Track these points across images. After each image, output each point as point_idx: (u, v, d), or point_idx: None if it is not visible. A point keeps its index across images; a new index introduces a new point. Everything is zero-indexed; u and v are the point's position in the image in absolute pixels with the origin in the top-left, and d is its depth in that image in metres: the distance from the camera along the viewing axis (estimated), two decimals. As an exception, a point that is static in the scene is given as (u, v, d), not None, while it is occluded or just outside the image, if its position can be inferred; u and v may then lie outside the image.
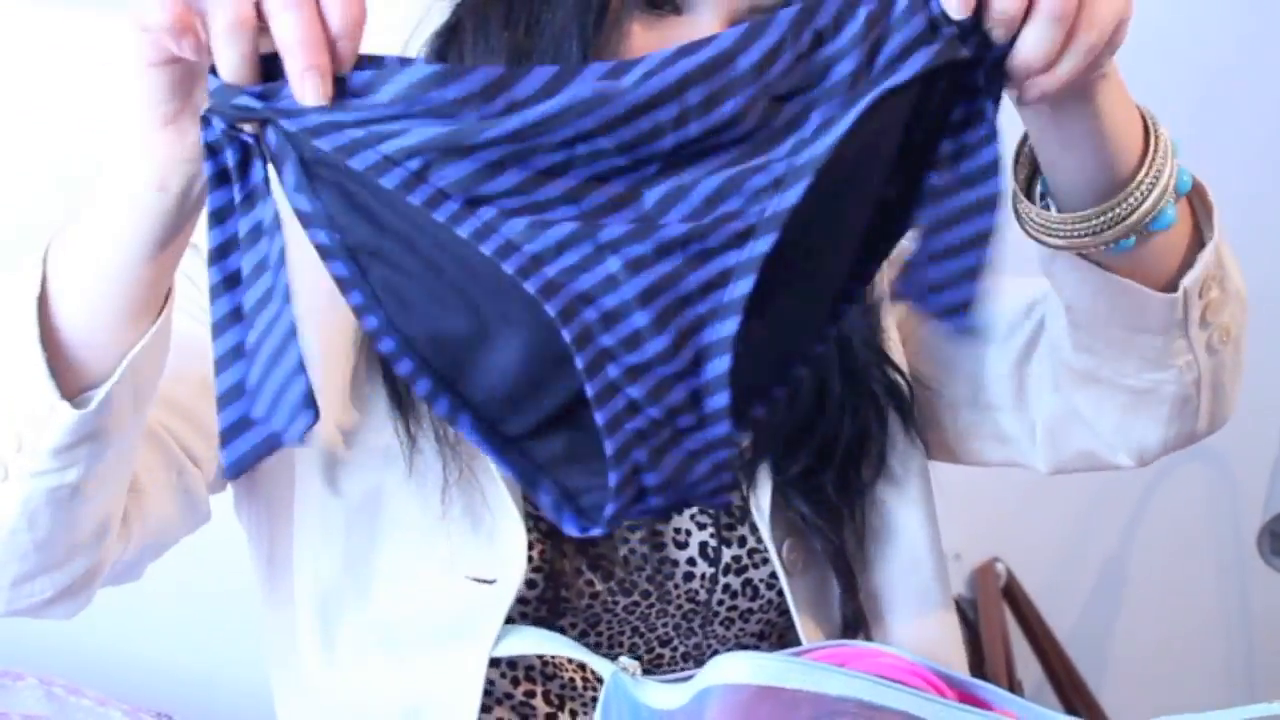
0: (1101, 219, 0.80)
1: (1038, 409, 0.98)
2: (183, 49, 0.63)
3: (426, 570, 0.88)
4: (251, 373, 0.68)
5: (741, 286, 0.67)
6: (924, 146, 0.71)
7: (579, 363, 0.67)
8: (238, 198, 0.66)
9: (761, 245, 0.67)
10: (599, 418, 0.68)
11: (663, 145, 0.66)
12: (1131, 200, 0.79)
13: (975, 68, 0.69)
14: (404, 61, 0.63)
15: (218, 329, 0.68)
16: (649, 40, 0.84)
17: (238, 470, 0.70)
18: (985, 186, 0.70)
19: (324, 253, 0.67)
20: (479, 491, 0.88)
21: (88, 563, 0.79)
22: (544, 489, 0.72)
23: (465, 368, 0.70)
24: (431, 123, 0.63)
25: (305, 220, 0.66)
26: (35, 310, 0.71)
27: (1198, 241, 0.85)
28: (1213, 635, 2.18)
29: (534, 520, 0.90)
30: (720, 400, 0.69)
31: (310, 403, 0.67)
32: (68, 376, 0.72)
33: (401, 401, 0.89)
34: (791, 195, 0.67)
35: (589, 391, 0.67)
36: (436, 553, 0.88)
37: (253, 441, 0.69)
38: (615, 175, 0.66)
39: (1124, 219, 0.80)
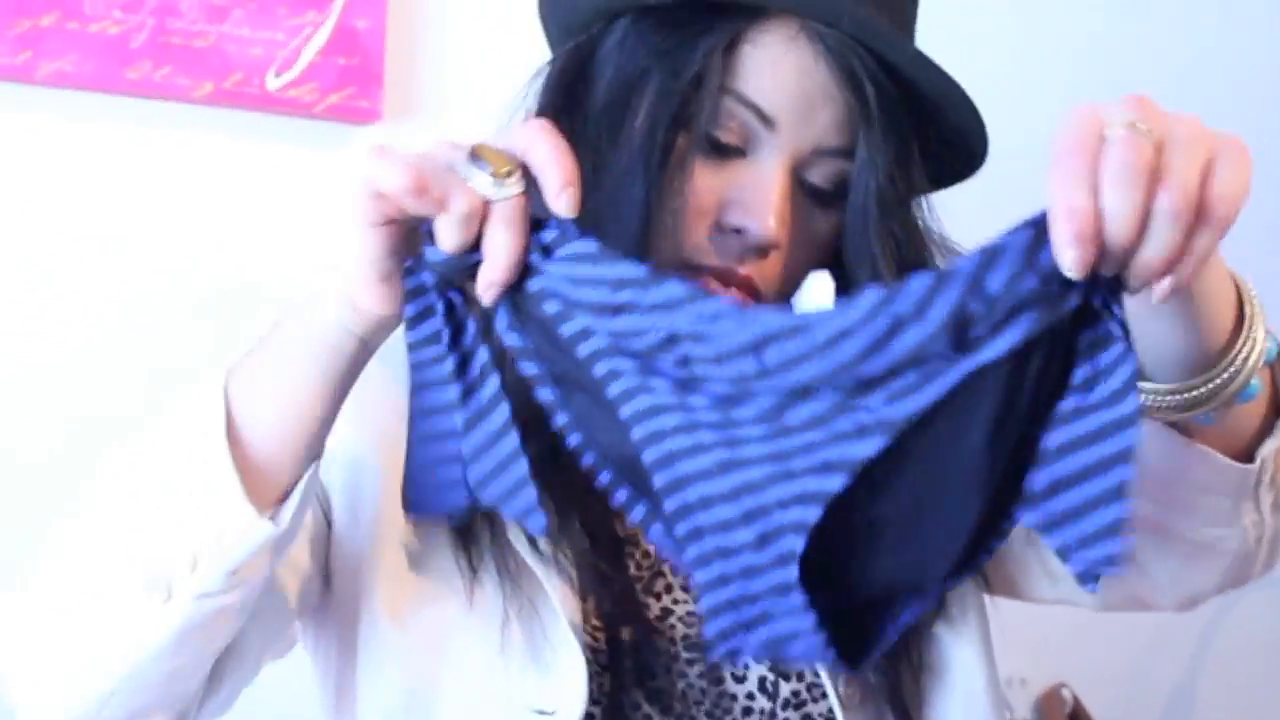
0: (1189, 395, 0.77)
1: None
2: (424, 207, 0.69)
3: (486, 703, 0.89)
4: (472, 472, 0.78)
5: (811, 514, 0.71)
6: (1034, 403, 0.69)
7: (678, 529, 0.74)
8: (444, 335, 0.76)
9: (832, 483, 0.70)
10: (697, 578, 0.74)
11: (753, 385, 0.71)
12: (1222, 379, 0.76)
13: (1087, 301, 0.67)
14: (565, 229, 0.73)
15: (413, 419, 0.78)
16: (713, 182, 0.87)
17: (418, 512, 0.82)
18: (1123, 405, 0.67)
19: (534, 381, 0.75)
20: (539, 623, 0.89)
21: (189, 704, 0.85)
22: (716, 620, 0.75)
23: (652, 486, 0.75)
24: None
25: (517, 354, 0.75)
26: (225, 438, 0.76)
27: (1274, 406, 0.82)
28: (1287, 764, 2.13)
29: (593, 651, 0.90)
30: (794, 600, 0.73)
31: (541, 506, 0.77)
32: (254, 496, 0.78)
33: (464, 534, 0.91)
34: (867, 447, 0.70)
35: (689, 555, 0.74)
36: (496, 685, 0.89)
37: (437, 499, 0.80)
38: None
39: (1212, 395, 0.77)
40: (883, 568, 0.74)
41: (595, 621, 0.90)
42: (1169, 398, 0.78)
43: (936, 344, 0.67)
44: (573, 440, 0.76)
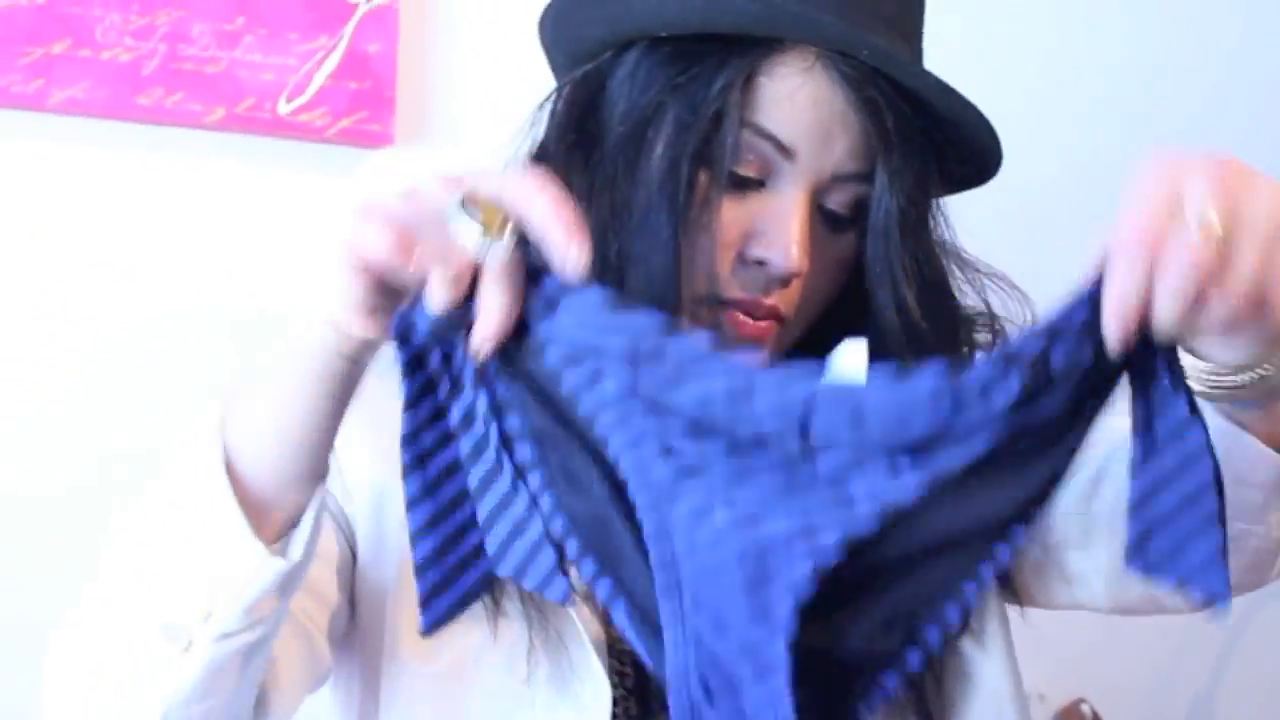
0: (1242, 376, 0.77)
1: (1106, 545, 0.97)
2: (411, 267, 0.67)
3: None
4: (489, 541, 0.73)
5: (828, 536, 0.68)
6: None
7: (656, 579, 0.70)
8: (442, 388, 0.72)
9: (861, 526, 0.68)
10: (666, 636, 0.70)
11: (787, 451, 0.69)
12: (1266, 369, 0.76)
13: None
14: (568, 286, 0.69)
15: (412, 504, 0.73)
16: (735, 215, 0.86)
17: (436, 628, 0.74)
18: (1192, 436, 0.68)
19: (514, 434, 0.72)
20: (565, 652, 0.89)
21: None
22: (680, 689, 0.72)
23: (623, 555, 0.72)
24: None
25: (502, 406, 0.71)
26: (225, 475, 0.74)
27: None
28: (1309, 778, 2.12)
29: (619, 676, 0.90)
30: (768, 656, 0.69)
31: (561, 568, 0.73)
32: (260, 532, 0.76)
33: None
34: (906, 492, 0.68)
35: (662, 615, 0.70)
36: (521, 715, 0.88)
37: (449, 601, 0.74)
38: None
39: (1258, 383, 0.77)
40: (870, 622, 0.72)
41: (621, 645, 0.90)
42: (1217, 378, 0.78)
43: (1000, 422, 0.67)
44: (545, 502, 0.72)
